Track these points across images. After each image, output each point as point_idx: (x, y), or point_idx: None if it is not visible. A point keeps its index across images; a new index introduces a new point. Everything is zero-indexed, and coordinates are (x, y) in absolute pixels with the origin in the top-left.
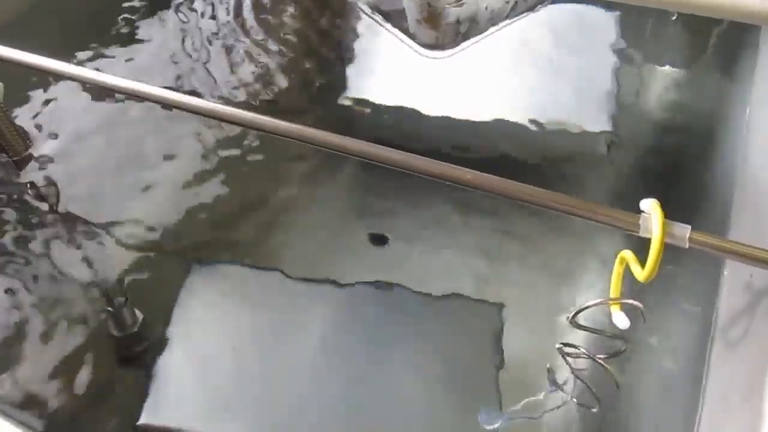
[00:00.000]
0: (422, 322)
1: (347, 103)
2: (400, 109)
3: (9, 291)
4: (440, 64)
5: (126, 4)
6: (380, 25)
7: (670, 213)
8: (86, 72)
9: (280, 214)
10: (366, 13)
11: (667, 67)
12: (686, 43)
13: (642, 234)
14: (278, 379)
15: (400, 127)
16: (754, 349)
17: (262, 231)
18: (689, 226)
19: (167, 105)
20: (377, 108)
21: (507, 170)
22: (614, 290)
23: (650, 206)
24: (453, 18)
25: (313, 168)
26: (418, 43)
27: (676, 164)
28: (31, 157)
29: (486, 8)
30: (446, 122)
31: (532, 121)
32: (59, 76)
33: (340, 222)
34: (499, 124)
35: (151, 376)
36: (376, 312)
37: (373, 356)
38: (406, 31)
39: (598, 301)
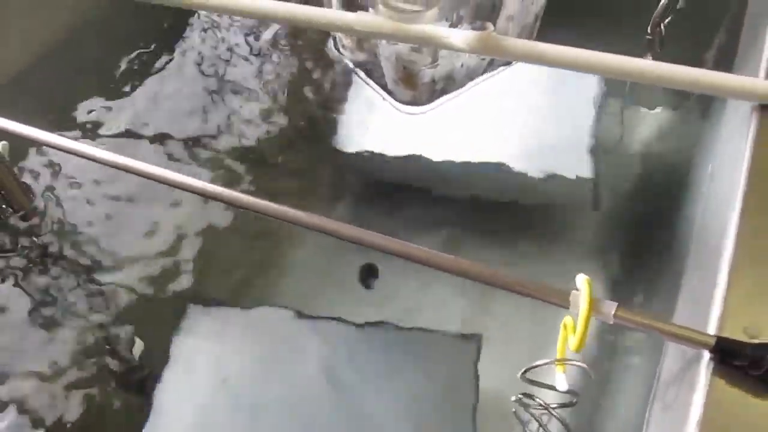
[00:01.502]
0: (406, 357)
1: (335, 154)
2: (387, 158)
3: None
4: (425, 114)
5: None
6: (362, 80)
7: (640, 262)
8: (73, 144)
9: (273, 252)
10: (352, 69)
11: (649, 115)
12: (668, 91)
13: (571, 310)
14: (269, 414)
15: (388, 175)
16: (678, 416)
17: (258, 269)
18: (616, 304)
19: (154, 180)
20: (364, 158)
21: (488, 212)
22: (560, 352)
23: (581, 283)
24: (429, 78)
25: (306, 205)
26: (397, 100)
27: (652, 212)
28: (35, 210)
29: (462, 66)
30: (432, 168)
31: (515, 168)
32: (49, 146)
33: (332, 259)
34: (483, 169)
35: (147, 410)
36: (360, 348)
37: (357, 391)
38: (385, 87)
39: (546, 361)
